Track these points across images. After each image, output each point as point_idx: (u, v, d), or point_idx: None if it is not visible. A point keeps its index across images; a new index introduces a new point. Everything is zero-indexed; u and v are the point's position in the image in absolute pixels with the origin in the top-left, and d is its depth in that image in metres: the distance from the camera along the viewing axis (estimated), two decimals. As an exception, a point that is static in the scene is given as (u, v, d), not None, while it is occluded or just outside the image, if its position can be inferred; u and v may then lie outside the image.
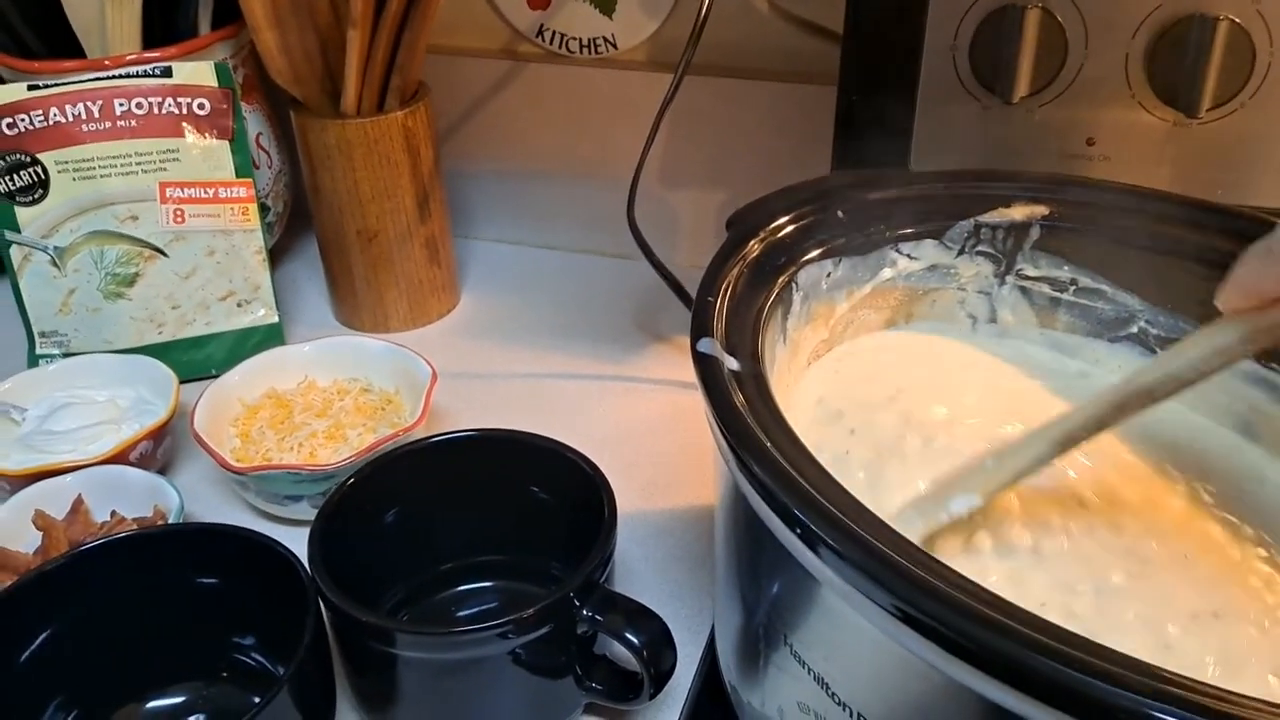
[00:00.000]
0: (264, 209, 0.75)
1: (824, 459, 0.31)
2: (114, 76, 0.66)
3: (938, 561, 0.27)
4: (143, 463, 0.58)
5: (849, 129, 0.55)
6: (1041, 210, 0.45)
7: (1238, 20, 0.46)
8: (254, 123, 0.76)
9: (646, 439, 0.63)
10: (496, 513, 0.50)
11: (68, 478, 0.55)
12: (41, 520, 0.52)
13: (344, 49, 0.65)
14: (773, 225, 0.42)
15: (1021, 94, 0.50)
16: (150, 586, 0.45)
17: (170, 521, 0.52)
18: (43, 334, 0.68)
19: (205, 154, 0.68)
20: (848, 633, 0.31)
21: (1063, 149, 0.52)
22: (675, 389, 0.68)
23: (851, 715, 0.32)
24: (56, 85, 0.65)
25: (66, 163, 0.66)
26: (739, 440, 0.31)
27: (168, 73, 0.67)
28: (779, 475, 0.30)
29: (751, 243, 0.41)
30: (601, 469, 0.47)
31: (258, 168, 0.75)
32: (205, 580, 0.45)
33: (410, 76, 0.69)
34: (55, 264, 0.67)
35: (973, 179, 0.47)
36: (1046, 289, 0.47)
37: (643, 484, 0.60)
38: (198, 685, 0.46)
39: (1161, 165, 0.50)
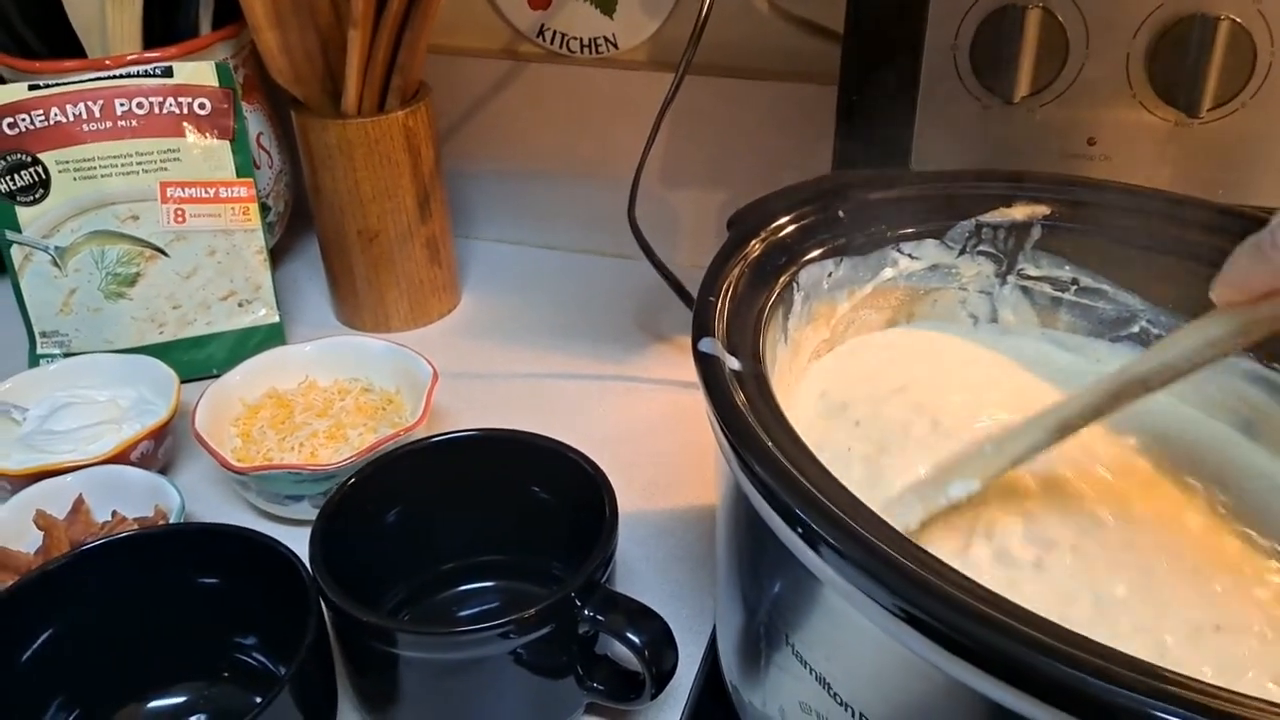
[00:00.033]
0: (265, 209, 0.75)
1: (825, 456, 0.31)
2: (115, 76, 0.66)
3: (939, 561, 0.27)
4: (144, 463, 0.58)
5: (849, 129, 0.55)
6: (1043, 210, 0.45)
7: (1239, 20, 0.46)
8: (255, 122, 0.76)
9: (647, 439, 0.63)
10: (498, 513, 0.50)
11: (69, 477, 0.55)
12: (42, 520, 0.52)
13: (345, 49, 0.65)
14: (774, 225, 0.42)
15: (1022, 94, 0.50)
16: (151, 586, 0.45)
17: (171, 521, 0.52)
18: (43, 334, 0.68)
19: (206, 154, 0.68)
20: (849, 632, 0.31)
21: (1064, 149, 0.52)
22: (676, 389, 0.68)
23: (853, 715, 0.31)
24: (57, 85, 0.65)
25: (67, 162, 0.66)
26: (740, 440, 0.31)
27: (168, 73, 0.67)
28: (780, 475, 0.30)
29: (752, 242, 0.41)
30: (602, 469, 0.47)
31: (258, 167, 0.75)
32: (206, 580, 0.45)
33: (411, 76, 0.69)
34: (56, 264, 0.67)
35: (973, 179, 0.47)
36: (1048, 289, 0.47)
37: (644, 484, 0.60)
38: (199, 685, 0.46)
39: (1162, 165, 0.50)
